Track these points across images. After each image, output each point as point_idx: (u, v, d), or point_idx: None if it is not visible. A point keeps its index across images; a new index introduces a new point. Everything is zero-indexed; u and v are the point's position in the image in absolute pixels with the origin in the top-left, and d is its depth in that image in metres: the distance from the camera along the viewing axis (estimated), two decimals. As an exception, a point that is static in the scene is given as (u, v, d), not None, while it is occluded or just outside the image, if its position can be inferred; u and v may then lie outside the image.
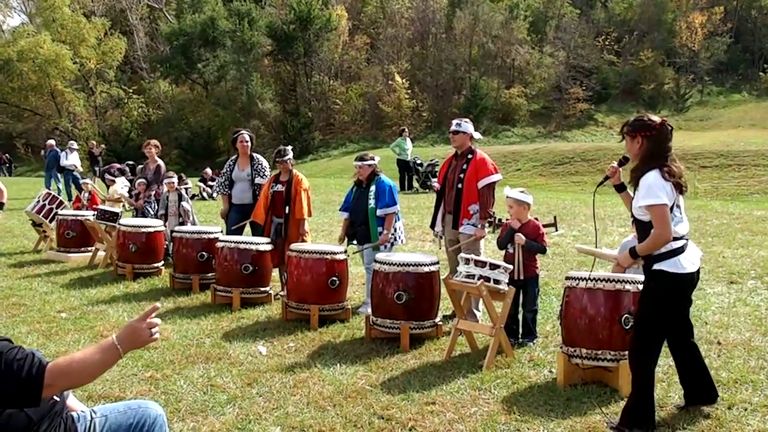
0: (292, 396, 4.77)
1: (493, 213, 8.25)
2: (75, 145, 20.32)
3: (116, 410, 3.01)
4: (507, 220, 6.59)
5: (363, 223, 7.09)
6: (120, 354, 2.60)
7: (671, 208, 4.04)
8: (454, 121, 6.77)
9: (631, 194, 4.33)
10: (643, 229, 4.18)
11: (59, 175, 19.79)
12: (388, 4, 48.17)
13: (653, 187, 4.00)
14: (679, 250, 4.08)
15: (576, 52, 45.34)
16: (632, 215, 4.37)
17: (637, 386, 4.18)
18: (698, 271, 4.20)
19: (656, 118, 4.17)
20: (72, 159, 19.38)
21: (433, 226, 7.01)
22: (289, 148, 8.14)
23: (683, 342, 4.36)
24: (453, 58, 45.17)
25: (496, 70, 45.72)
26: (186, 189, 19.39)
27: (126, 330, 2.62)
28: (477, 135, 6.78)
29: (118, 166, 19.97)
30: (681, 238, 4.11)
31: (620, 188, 4.48)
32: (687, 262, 4.09)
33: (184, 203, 9.69)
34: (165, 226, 9.46)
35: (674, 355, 4.47)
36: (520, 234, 5.91)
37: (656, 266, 4.07)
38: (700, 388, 4.42)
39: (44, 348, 5.79)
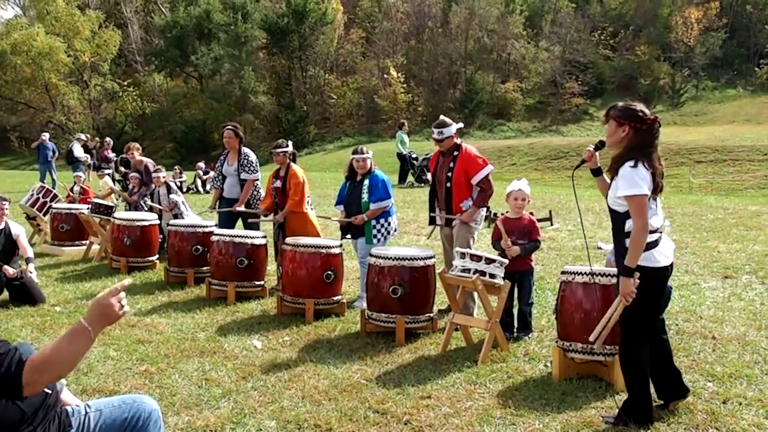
0: (287, 390, 4.76)
1: (488, 207, 8.22)
2: (82, 137, 20.44)
3: (111, 405, 3.00)
4: (502, 214, 6.58)
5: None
6: (91, 337, 2.56)
7: (648, 200, 3.98)
8: (436, 130, 6.54)
9: (607, 180, 4.25)
10: (616, 219, 4.11)
11: (54, 168, 19.82)
12: (383, -2, 48.11)
13: (634, 177, 3.91)
14: (653, 244, 4.04)
15: (572, 46, 45.29)
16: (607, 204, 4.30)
17: (631, 383, 4.17)
18: (671, 265, 4.17)
19: (649, 113, 4.08)
20: (78, 151, 19.55)
21: (432, 222, 7.00)
22: (289, 141, 8.09)
23: (654, 338, 4.28)
24: (449, 53, 45.08)
25: (492, 64, 45.65)
26: (181, 182, 19.42)
27: (94, 309, 2.57)
28: (459, 125, 6.67)
29: (110, 155, 19.96)
30: (655, 231, 4.05)
31: (597, 172, 4.36)
32: (661, 256, 4.06)
33: (172, 195, 9.67)
34: (160, 220, 9.45)
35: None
36: (515, 248, 5.87)
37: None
38: (670, 384, 4.37)
39: (38, 341, 5.77)
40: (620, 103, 4.17)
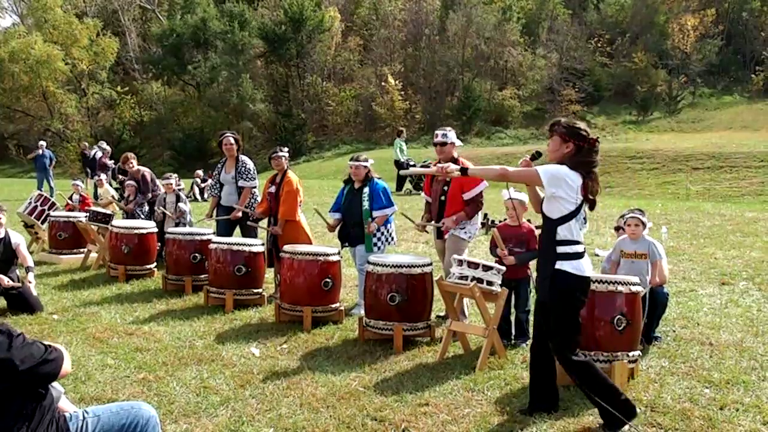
0: (285, 397, 4.77)
1: (486, 215, 8.23)
2: (104, 145, 20.64)
3: (109, 411, 3.01)
4: (501, 222, 6.60)
5: (356, 224, 7.06)
6: None
7: (576, 211, 4.14)
8: (440, 132, 6.57)
9: (540, 193, 4.39)
10: (548, 225, 4.24)
11: (51, 176, 19.92)
12: (381, 6, 48.15)
13: (559, 171, 4.11)
14: (581, 255, 4.21)
15: (569, 53, 45.42)
16: (539, 211, 4.42)
17: (592, 386, 4.18)
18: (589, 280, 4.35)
19: (590, 133, 4.25)
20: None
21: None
22: (285, 148, 8.12)
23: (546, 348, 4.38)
24: (446, 60, 45.15)
25: (489, 71, 45.72)
26: (180, 190, 19.42)
27: None
28: (458, 143, 6.70)
29: (108, 163, 20.01)
30: (581, 243, 4.23)
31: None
32: (586, 267, 4.23)
33: (180, 204, 9.66)
34: (163, 227, 9.44)
35: (533, 362, 4.46)
36: (510, 257, 5.88)
37: (559, 265, 4.14)
38: (548, 396, 4.46)
39: (36, 350, 5.76)
40: (564, 120, 4.31)
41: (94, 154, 19.90)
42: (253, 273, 7.41)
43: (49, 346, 2.87)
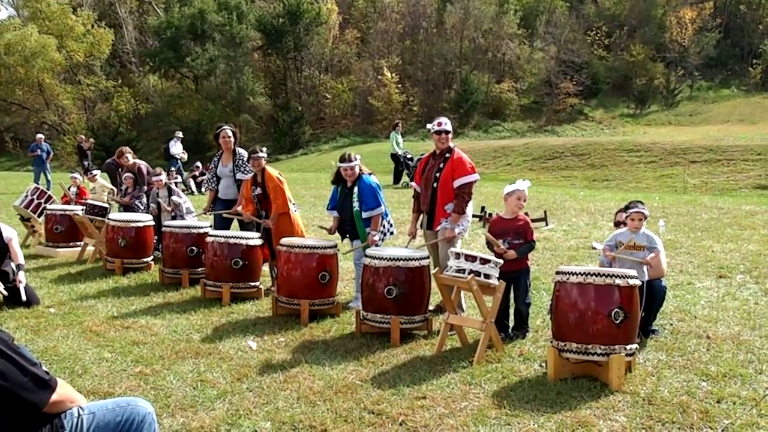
0: (282, 391, 4.76)
1: (484, 208, 8.23)
2: (180, 134, 20.57)
3: (105, 407, 2.99)
4: (497, 213, 6.58)
5: (351, 223, 7.07)
6: None
7: None
8: (439, 120, 6.65)
9: None
10: None
11: (48, 169, 19.89)
12: (378, -2, 48.10)
13: None
14: None
15: (566, 46, 45.40)
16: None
17: None
18: None
19: None
20: (179, 147, 19.68)
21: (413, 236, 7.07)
22: (263, 148, 8.08)
23: None
24: (443, 53, 45.13)
25: (487, 64, 45.72)
26: (176, 183, 19.40)
27: None
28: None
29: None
30: None
31: None
32: None
33: (174, 197, 9.64)
34: (160, 221, 9.41)
35: None
36: (511, 252, 5.86)
37: None
38: None
39: (33, 343, 5.76)
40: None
41: (174, 142, 20.04)
42: (250, 266, 7.40)
43: (48, 375, 2.78)
